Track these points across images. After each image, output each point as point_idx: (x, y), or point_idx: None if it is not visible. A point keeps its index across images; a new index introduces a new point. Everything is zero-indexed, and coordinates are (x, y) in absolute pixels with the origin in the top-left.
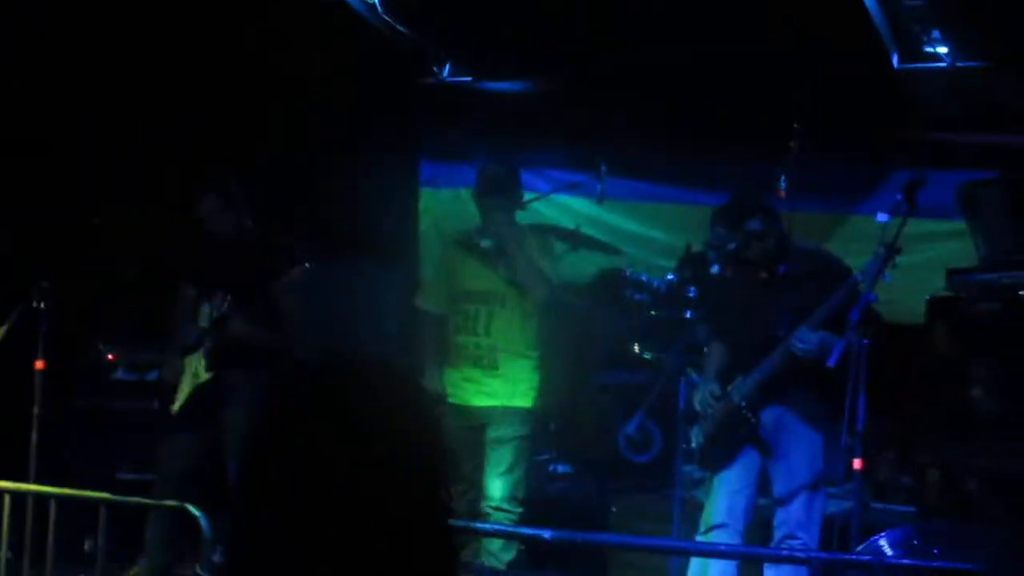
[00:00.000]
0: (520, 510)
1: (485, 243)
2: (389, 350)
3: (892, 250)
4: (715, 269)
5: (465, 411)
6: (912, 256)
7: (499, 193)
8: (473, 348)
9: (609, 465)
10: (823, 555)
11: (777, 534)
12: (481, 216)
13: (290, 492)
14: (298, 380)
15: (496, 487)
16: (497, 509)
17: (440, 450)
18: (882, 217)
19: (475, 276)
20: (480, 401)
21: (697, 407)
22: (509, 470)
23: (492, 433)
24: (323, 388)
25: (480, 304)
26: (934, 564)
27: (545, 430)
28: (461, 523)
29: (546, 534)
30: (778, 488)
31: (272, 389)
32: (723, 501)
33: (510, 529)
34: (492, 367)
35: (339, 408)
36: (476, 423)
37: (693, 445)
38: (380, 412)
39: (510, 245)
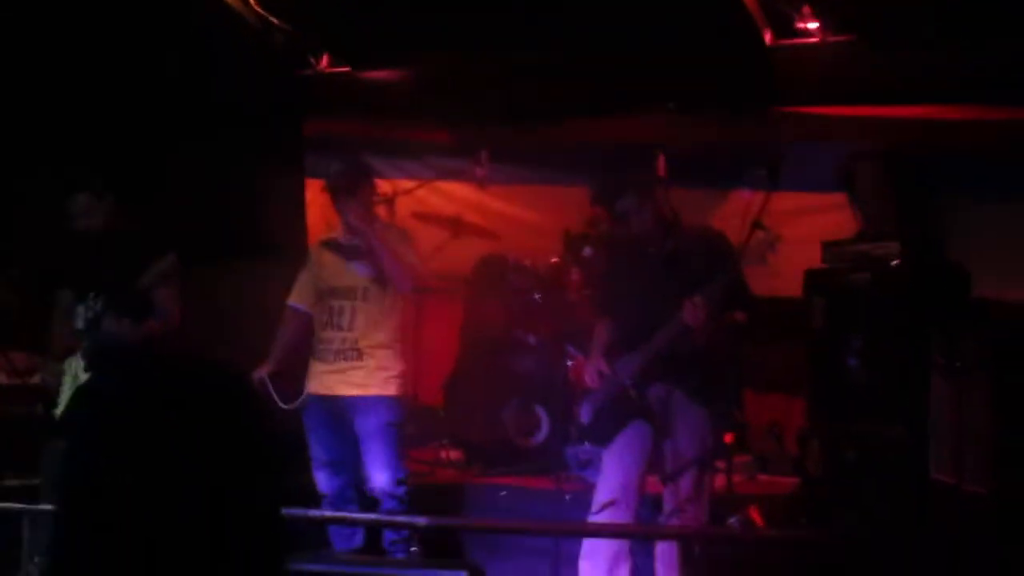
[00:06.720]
0: (402, 494)
1: (347, 242)
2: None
3: (755, 226)
4: (587, 252)
5: (333, 402)
6: (793, 229)
7: (347, 192)
8: (339, 342)
9: (498, 450)
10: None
11: (667, 507)
12: (339, 215)
13: (109, 495)
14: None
15: (380, 478)
16: (388, 496)
17: (259, 449)
18: (745, 193)
19: (338, 273)
20: (345, 391)
21: (588, 382)
22: (388, 460)
23: (360, 423)
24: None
25: (344, 300)
26: (801, 533)
27: (434, 417)
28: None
29: (420, 520)
30: (668, 463)
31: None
32: (614, 477)
33: (386, 518)
34: (356, 358)
35: (159, 410)
36: (344, 413)
37: (583, 420)
38: (199, 412)
39: (372, 242)
